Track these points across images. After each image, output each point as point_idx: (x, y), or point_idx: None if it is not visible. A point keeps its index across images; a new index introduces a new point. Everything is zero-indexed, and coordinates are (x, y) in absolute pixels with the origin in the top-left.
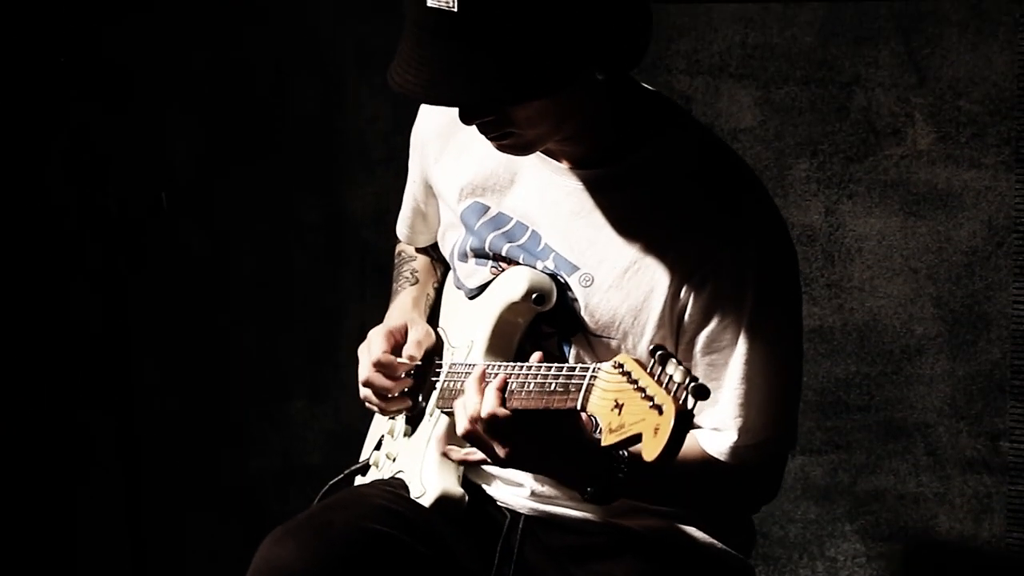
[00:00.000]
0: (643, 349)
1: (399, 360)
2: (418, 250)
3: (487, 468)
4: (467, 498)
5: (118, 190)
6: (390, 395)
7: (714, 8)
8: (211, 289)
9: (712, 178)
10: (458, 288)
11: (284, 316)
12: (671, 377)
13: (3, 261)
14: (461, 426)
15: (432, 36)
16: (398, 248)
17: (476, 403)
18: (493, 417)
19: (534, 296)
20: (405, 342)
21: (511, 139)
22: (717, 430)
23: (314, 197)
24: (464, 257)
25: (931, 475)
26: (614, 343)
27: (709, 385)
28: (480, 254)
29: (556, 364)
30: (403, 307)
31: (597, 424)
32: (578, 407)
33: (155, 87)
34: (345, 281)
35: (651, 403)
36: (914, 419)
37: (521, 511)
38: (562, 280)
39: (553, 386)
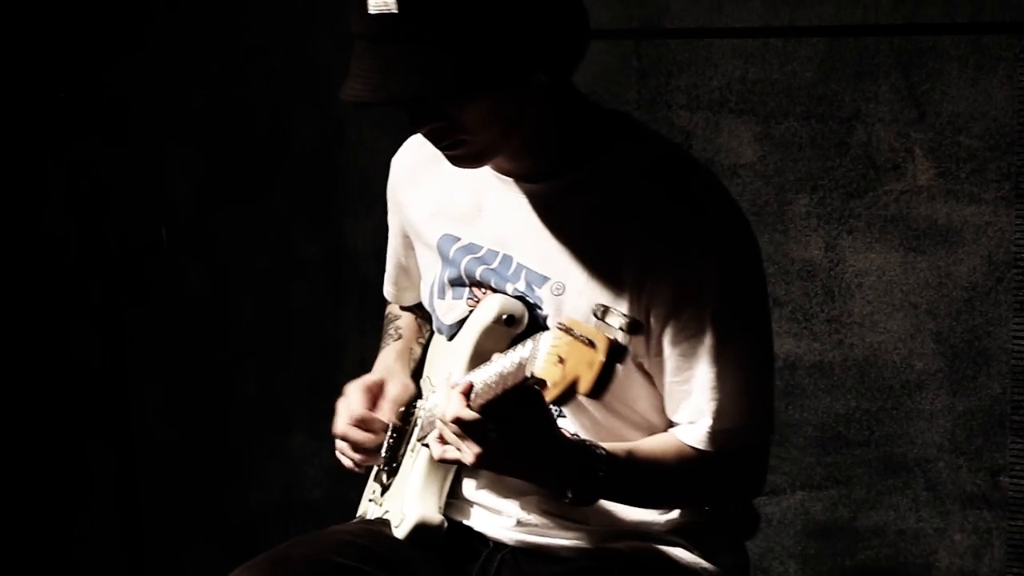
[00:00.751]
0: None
1: (376, 416)
2: (404, 309)
3: (469, 496)
4: (446, 524)
5: (118, 224)
6: (366, 450)
7: (714, 43)
8: (211, 323)
9: (668, 177)
10: (439, 332)
11: (284, 350)
12: (606, 321)
13: (3, 293)
14: (432, 437)
15: (376, 43)
16: (387, 310)
17: (443, 411)
18: (457, 420)
19: (504, 318)
20: (383, 396)
21: (463, 148)
22: (693, 422)
23: (314, 231)
24: (442, 292)
25: (931, 510)
26: None
27: (681, 376)
28: (456, 282)
29: (508, 350)
30: (383, 361)
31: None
32: (527, 373)
33: (155, 121)
34: (345, 315)
35: (587, 343)
36: (914, 454)
37: (507, 542)
38: (531, 302)
39: (506, 367)
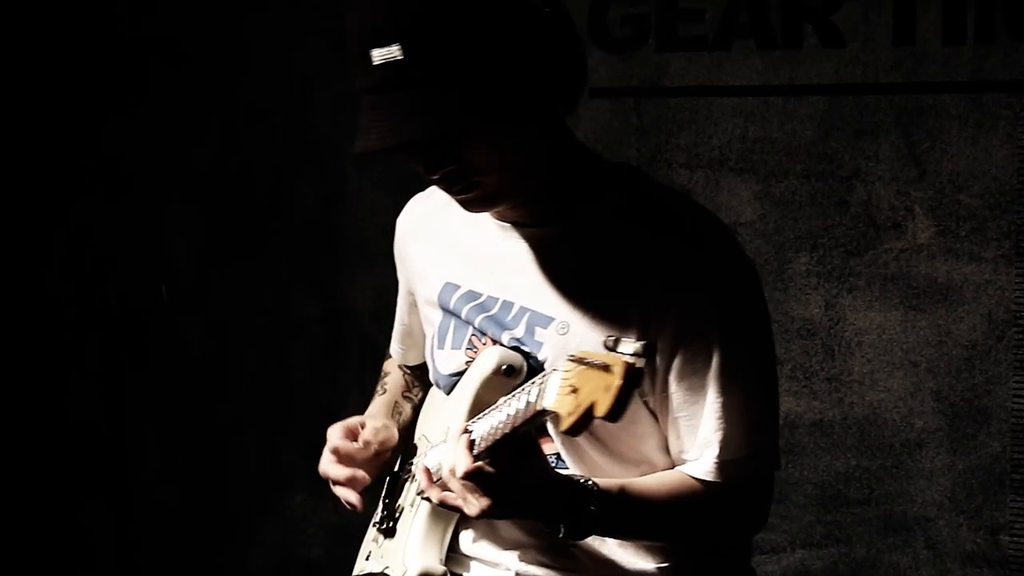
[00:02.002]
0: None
1: (353, 445)
2: (406, 367)
3: (467, 551)
4: (449, 575)
5: (119, 283)
6: (345, 481)
7: (714, 102)
8: (211, 382)
9: (671, 216)
10: (437, 386)
11: (284, 409)
12: (619, 350)
13: (3, 353)
14: (435, 496)
15: (383, 93)
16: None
17: (448, 462)
18: (465, 473)
19: (504, 368)
20: (361, 433)
21: (477, 190)
22: (699, 455)
23: (313, 290)
24: (441, 342)
25: (931, 569)
26: None
27: (688, 410)
28: (456, 331)
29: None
30: (369, 410)
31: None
32: (539, 408)
33: (156, 181)
34: (345, 374)
35: (602, 369)
36: (914, 513)
37: None
38: (527, 350)
39: (514, 410)
